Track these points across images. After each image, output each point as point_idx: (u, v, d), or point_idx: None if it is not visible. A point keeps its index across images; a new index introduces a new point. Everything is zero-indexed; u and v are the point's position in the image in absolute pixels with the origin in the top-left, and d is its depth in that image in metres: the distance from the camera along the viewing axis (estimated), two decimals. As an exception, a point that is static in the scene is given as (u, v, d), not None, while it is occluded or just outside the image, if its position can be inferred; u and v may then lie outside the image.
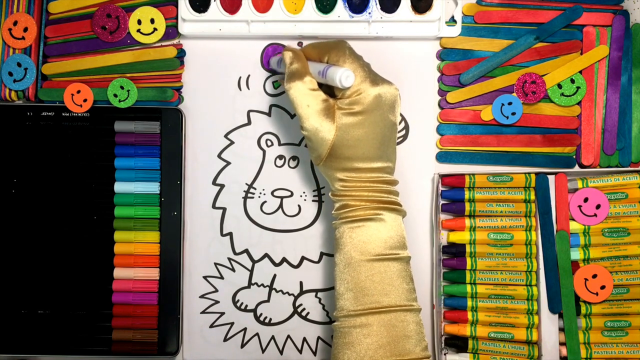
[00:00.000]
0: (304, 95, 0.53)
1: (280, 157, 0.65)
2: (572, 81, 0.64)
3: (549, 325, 0.62)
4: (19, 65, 0.63)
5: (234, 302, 0.65)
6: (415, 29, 0.65)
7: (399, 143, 0.65)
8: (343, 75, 0.50)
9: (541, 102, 0.65)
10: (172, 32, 0.64)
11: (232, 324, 0.65)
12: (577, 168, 0.65)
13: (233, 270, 0.65)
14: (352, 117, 0.52)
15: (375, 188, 0.53)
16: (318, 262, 0.65)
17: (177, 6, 0.64)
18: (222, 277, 0.65)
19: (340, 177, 0.53)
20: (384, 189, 0.53)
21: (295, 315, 0.65)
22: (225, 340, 0.65)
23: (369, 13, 0.64)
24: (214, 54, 0.66)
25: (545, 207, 0.62)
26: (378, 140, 0.53)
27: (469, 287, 0.62)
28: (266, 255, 0.65)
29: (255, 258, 0.65)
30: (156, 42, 0.65)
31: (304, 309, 0.65)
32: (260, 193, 0.65)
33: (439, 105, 0.65)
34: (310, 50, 0.56)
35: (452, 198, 0.64)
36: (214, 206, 0.65)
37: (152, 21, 0.64)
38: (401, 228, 0.54)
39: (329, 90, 0.55)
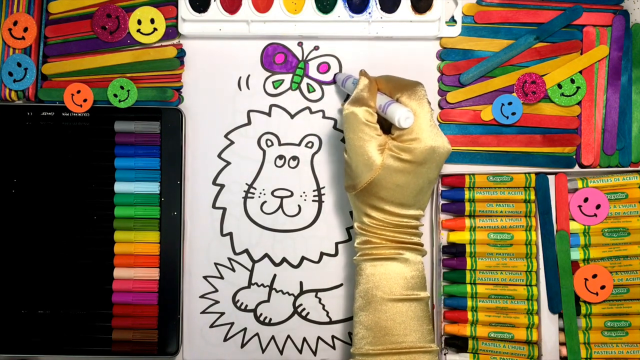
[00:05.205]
0: (360, 124, 0.52)
1: (280, 157, 0.65)
2: (572, 81, 0.64)
3: (549, 325, 0.62)
4: (19, 65, 0.63)
5: (234, 302, 0.65)
6: (415, 29, 0.65)
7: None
8: (403, 115, 0.49)
9: (541, 102, 0.65)
10: (172, 32, 0.64)
11: (232, 324, 0.65)
12: (577, 168, 0.65)
13: (233, 270, 0.65)
14: (399, 162, 0.51)
15: (401, 231, 0.53)
16: (318, 262, 0.65)
17: (177, 6, 0.64)
18: (222, 277, 0.65)
19: (369, 214, 0.53)
20: (409, 232, 0.53)
21: (295, 315, 0.65)
22: (225, 340, 0.65)
23: (369, 13, 0.64)
24: (214, 54, 0.66)
25: (545, 207, 0.62)
26: (416, 190, 0.52)
27: (469, 287, 0.62)
28: (266, 255, 0.65)
29: (255, 258, 0.65)
30: (156, 42, 0.65)
31: (304, 309, 0.65)
32: (260, 193, 0.65)
33: (439, 105, 0.65)
34: (383, 82, 0.54)
35: (452, 198, 0.64)
36: (214, 206, 0.65)
37: (152, 21, 0.64)
38: (422, 267, 0.54)
39: (388, 124, 0.54)
